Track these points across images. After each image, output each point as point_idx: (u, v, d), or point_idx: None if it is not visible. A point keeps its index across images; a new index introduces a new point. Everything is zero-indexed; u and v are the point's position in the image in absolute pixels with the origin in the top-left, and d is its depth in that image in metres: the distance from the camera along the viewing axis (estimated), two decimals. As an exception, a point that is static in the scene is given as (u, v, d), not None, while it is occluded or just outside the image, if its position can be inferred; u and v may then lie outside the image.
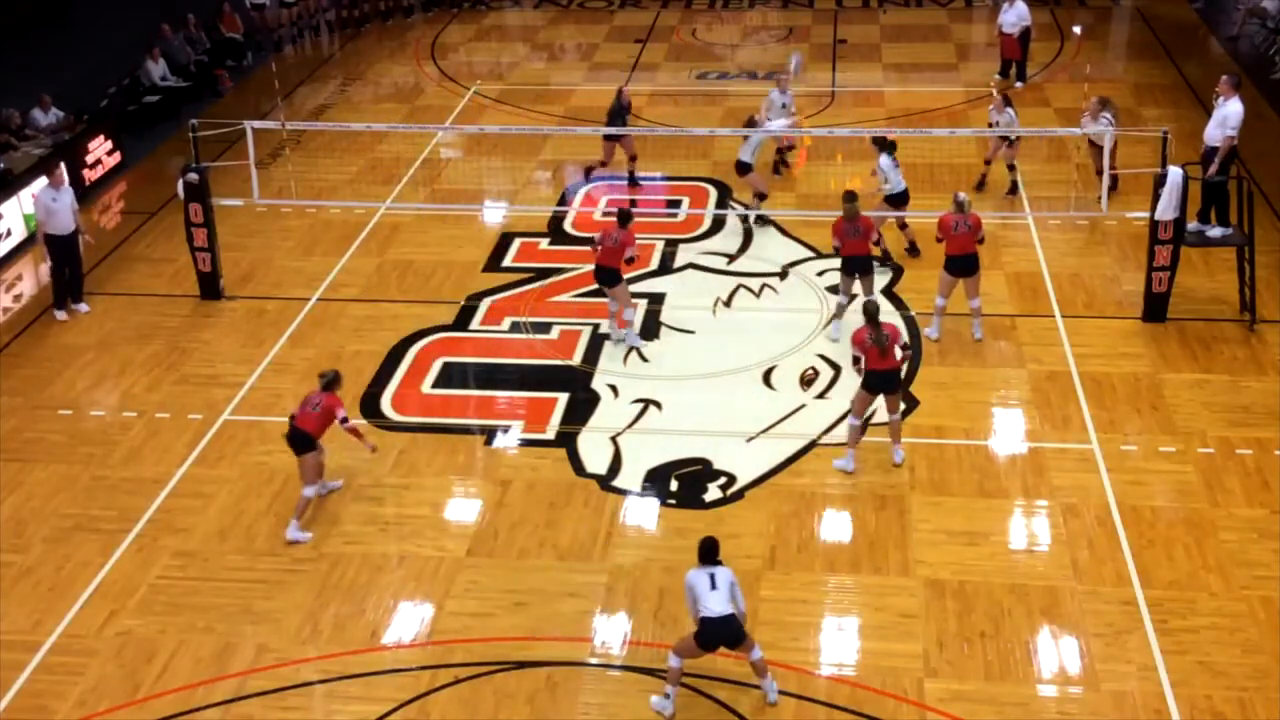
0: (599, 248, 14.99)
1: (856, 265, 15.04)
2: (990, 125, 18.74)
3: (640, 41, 27.59)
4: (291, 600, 11.56)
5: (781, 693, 10.34)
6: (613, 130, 19.13)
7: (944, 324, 15.25)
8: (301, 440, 12.22)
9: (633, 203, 18.99)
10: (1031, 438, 13.51)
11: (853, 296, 15.26)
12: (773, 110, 19.13)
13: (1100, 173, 17.23)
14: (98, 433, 14.15)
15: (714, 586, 9.91)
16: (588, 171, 19.81)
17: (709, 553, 10.05)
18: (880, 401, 13.21)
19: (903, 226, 17.05)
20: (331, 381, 12.28)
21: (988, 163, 18.97)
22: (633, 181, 19.68)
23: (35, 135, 20.25)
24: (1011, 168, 18.67)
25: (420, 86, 25.01)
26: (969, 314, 15.21)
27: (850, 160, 20.50)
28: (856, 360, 12.77)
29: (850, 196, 14.99)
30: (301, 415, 12.20)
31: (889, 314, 15.70)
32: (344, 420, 12.08)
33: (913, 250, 17.03)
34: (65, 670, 10.86)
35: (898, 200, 16.86)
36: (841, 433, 13.47)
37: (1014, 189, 18.75)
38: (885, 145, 16.87)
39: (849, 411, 13.59)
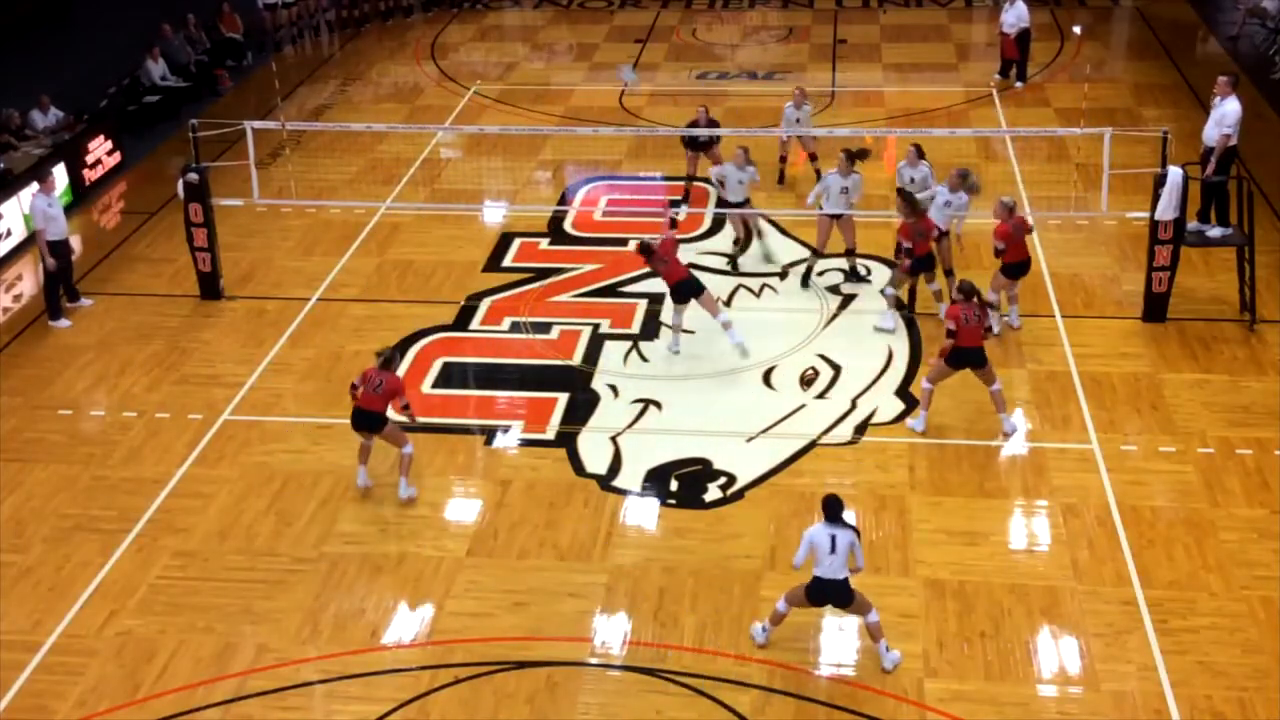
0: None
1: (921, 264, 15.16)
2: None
3: (640, 41, 27.59)
4: (291, 600, 11.56)
5: (782, 693, 10.36)
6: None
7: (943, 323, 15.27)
8: (373, 420, 12.51)
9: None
10: (1031, 438, 13.50)
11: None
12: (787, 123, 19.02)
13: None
14: (98, 433, 14.15)
15: (833, 550, 10.10)
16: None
17: (833, 510, 10.19)
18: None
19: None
20: (389, 360, 12.49)
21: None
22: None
23: (34, 136, 20.25)
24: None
25: (420, 86, 25.02)
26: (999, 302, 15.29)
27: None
28: (951, 334, 13.04)
29: (907, 197, 15.04)
30: (366, 397, 12.38)
31: (888, 313, 15.72)
32: (405, 407, 12.52)
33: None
34: (65, 670, 10.86)
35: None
36: (843, 432, 13.52)
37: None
38: (854, 157, 16.36)
39: (850, 411, 13.65)
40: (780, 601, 10.60)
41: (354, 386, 12.50)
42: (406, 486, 12.75)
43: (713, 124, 18.73)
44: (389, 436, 12.71)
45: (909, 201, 14.93)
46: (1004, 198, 15.02)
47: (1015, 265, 14.97)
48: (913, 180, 16.24)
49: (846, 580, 10.24)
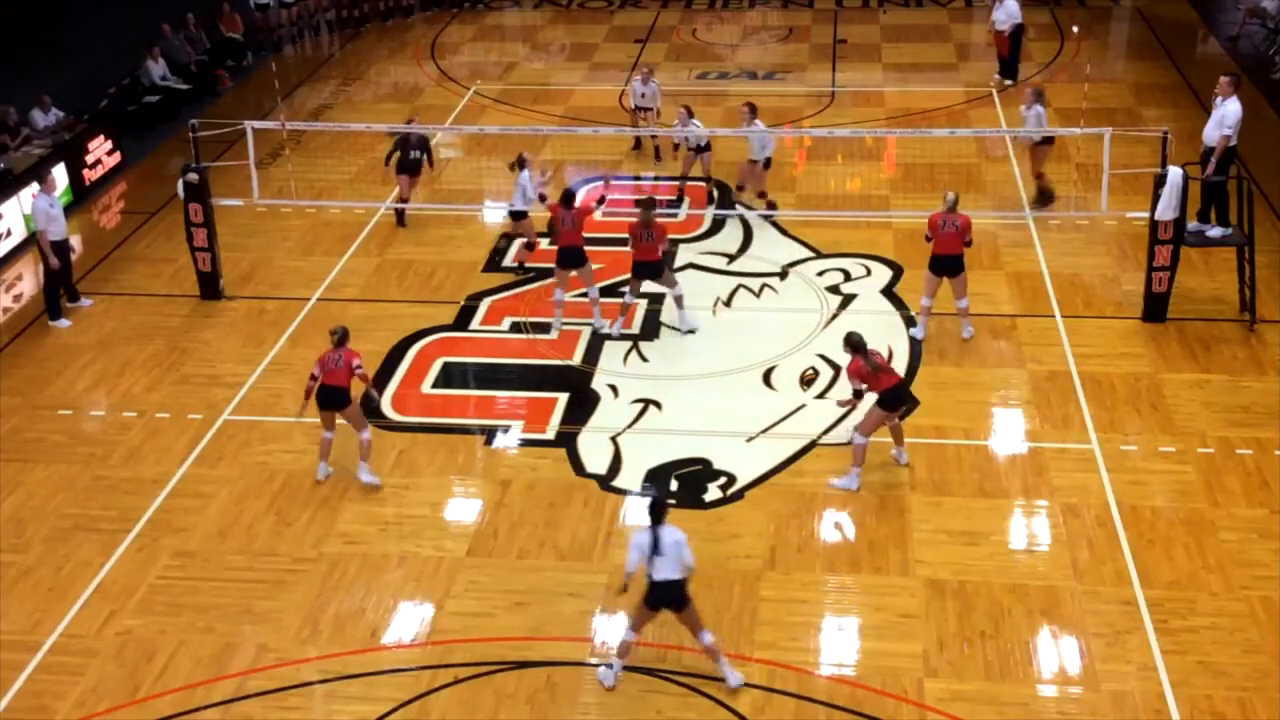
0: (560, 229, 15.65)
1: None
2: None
3: (640, 41, 27.59)
4: (291, 600, 11.56)
5: (782, 693, 10.37)
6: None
7: (942, 324, 15.25)
8: (339, 396, 12.74)
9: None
10: (1031, 438, 13.51)
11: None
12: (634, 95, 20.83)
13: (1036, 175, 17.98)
14: (98, 433, 14.15)
15: (659, 551, 10.02)
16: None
17: (656, 513, 10.08)
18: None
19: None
20: (344, 337, 12.84)
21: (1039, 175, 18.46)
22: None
23: (35, 136, 20.23)
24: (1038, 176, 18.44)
25: (420, 86, 25.02)
26: (956, 314, 15.19)
27: (850, 160, 20.51)
28: (859, 394, 12.51)
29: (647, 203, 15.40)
30: (329, 375, 12.68)
31: (889, 313, 15.74)
32: (358, 368, 12.74)
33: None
34: (65, 670, 10.86)
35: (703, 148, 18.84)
36: (842, 433, 13.49)
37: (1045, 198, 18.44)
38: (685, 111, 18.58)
39: (850, 411, 13.56)
40: (625, 630, 10.47)
41: (313, 377, 12.77)
42: (370, 474, 12.96)
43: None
44: (351, 417, 12.94)
45: (643, 205, 15.38)
46: (949, 193, 14.84)
47: (935, 259, 14.79)
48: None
49: (682, 582, 10.09)
